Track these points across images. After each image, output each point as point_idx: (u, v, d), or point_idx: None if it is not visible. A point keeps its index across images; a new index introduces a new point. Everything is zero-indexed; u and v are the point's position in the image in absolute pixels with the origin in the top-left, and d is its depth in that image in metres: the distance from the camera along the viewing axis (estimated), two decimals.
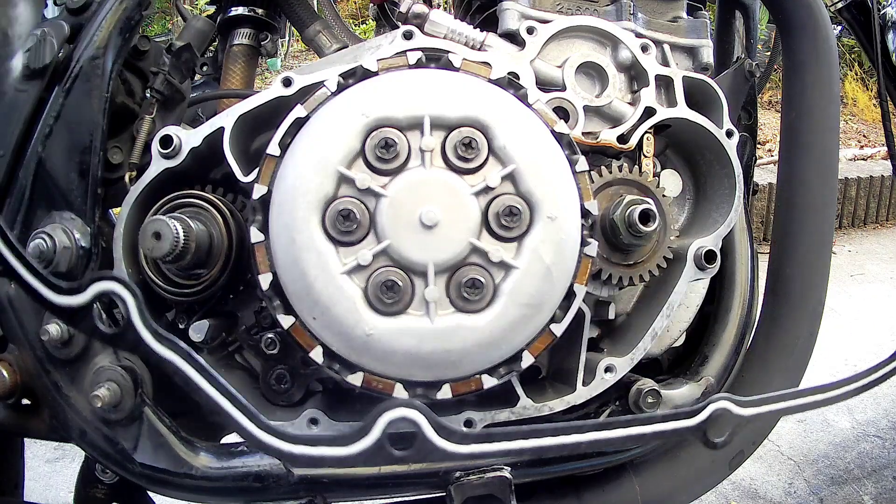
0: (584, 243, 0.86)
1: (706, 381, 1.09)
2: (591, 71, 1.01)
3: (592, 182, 0.94)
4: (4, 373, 0.97)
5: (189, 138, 0.93)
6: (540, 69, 0.99)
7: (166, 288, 0.93)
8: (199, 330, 0.94)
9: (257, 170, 0.85)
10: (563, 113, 0.97)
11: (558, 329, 0.86)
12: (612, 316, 1.06)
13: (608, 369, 0.96)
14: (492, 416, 0.94)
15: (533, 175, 0.82)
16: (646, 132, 1.01)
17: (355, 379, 0.84)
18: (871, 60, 1.73)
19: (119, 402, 0.92)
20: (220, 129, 0.92)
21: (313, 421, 0.92)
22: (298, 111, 0.86)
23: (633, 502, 1.12)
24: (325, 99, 0.86)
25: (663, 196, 0.99)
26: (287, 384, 0.98)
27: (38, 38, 0.92)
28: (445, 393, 0.85)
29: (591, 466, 1.08)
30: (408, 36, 0.93)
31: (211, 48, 1.37)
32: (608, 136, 0.99)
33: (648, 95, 1.00)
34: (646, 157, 1.03)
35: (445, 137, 0.82)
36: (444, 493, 0.99)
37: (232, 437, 1.13)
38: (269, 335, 0.96)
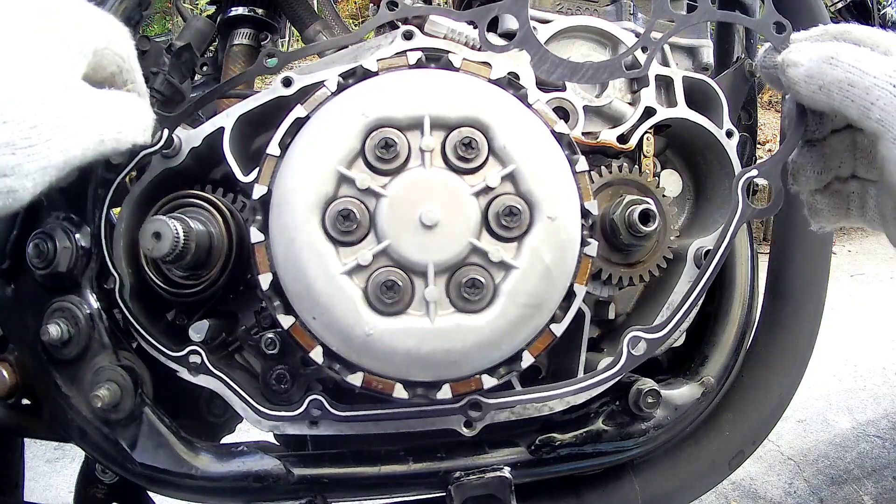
0: (584, 243, 0.86)
1: (706, 381, 1.09)
2: None
3: (592, 182, 0.94)
4: (4, 373, 0.97)
5: (189, 138, 0.93)
6: None
7: (166, 288, 0.93)
8: (199, 330, 0.94)
9: (257, 170, 0.85)
10: (563, 113, 0.97)
11: (558, 329, 0.86)
12: (612, 316, 1.06)
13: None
14: (491, 417, 0.94)
15: (533, 175, 0.82)
16: (646, 132, 1.01)
17: (355, 379, 0.84)
18: None
19: (119, 402, 0.92)
20: (220, 129, 0.92)
21: (313, 421, 0.92)
22: (298, 111, 0.86)
23: (633, 502, 1.12)
24: (325, 99, 0.86)
25: (663, 196, 0.99)
26: (287, 384, 0.98)
27: None
28: (445, 393, 0.85)
29: (590, 466, 1.08)
30: (408, 36, 0.93)
31: (211, 48, 1.37)
32: (608, 136, 0.99)
33: (648, 95, 1.00)
34: (646, 157, 1.03)
35: (445, 137, 0.82)
36: (444, 493, 0.99)
37: (232, 437, 1.14)
38: (269, 335, 0.96)
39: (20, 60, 0.58)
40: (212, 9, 1.40)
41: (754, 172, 0.82)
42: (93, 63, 0.68)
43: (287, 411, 0.92)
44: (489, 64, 0.89)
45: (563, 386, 0.90)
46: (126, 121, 0.69)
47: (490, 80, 0.88)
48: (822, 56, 0.66)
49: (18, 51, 0.59)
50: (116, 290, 0.92)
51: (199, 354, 0.92)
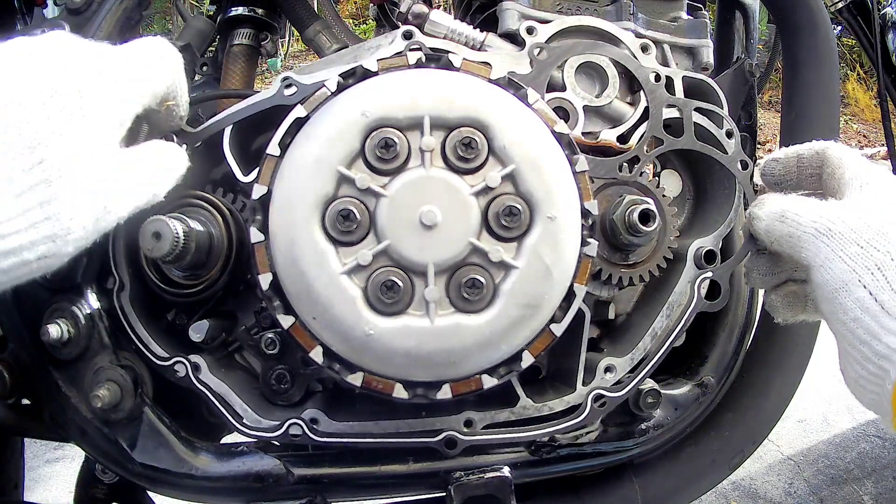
0: (584, 243, 0.86)
1: (706, 381, 1.09)
2: (591, 71, 1.01)
3: (592, 182, 0.94)
4: (4, 373, 0.97)
5: (189, 138, 0.93)
6: None
7: (166, 288, 0.93)
8: (198, 330, 0.94)
9: (257, 170, 0.85)
10: (563, 113, 0.97)
11: (558, 329, 0.86)
12: (612, 316, 1.06)
13: (608, 369, 0.96)
14: (491, 417, 0.95)
15: (533, 175, 0.82)
16: (646, 132, 1.01)
17: (355, 379, 0.84)
18: (872, 60, 1.74)
19: (119, 402, 0.92)
20: (220, 129, 0.92)
21: (313, 421, 0.92)
22: (298, 111, 0.86)
23: (633, 502, 1.12)
24: (324, 99, 0.86)
25: (663, 196, 0.99)
26: (287, 384, 0.98)
27: None
28: (445, 393, 0.85)
29: (590, 466, 1.08)
30: (408, 36, 0.93)
31: (211, 48, 1.37)
32: (608, 136, 0.99)
33: None
34: None
35: (445, 137, 0.82)
36: (444, 493, 0.99)
37: (232, 437, 1.14)
38: (269, 335, 0.96)
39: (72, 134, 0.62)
40: (212, 9, 1.40)
41: (709, 274, 0.96)
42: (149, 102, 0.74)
43: (267, 432, 0.92)
44: (489, 64, 0.89)
45: (532, 430, 0.95)
46: (162, 180, 0.75)
47: (490, 81, 0.88)
48: (775, 213, 0.80)
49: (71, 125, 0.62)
50: (115, 291, 0.92)
51: (185, 365, 0.92)
